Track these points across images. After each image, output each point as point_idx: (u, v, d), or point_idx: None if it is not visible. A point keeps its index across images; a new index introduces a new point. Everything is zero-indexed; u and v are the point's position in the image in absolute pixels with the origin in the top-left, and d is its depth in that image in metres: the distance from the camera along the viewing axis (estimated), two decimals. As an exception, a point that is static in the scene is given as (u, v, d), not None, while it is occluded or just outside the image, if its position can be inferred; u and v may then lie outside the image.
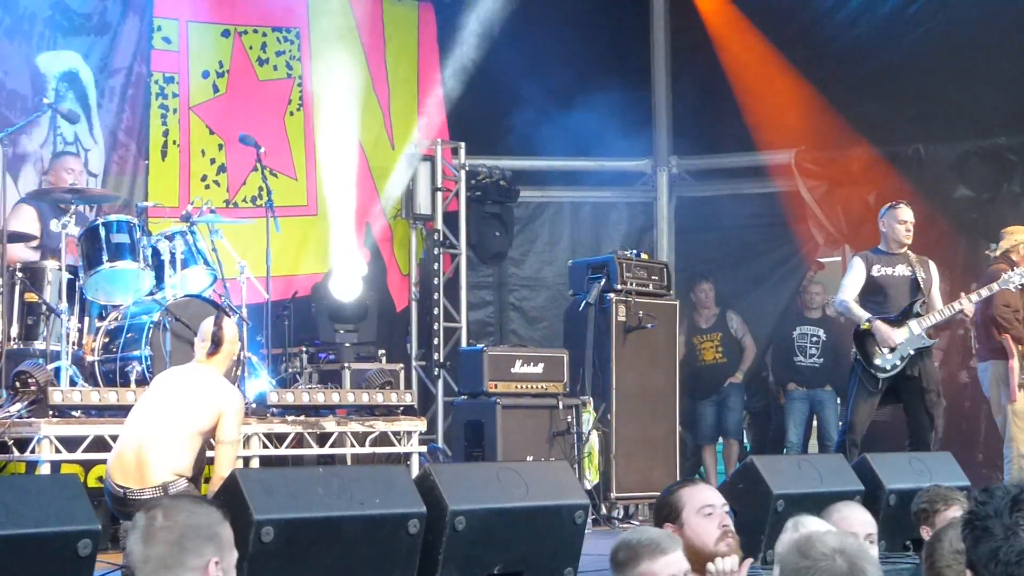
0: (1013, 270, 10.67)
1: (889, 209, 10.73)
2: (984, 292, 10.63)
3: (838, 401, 13.26)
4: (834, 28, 14.48)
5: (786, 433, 13.58)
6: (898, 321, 10.43)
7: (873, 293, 10.54)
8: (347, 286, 12.52)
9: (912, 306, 10.42)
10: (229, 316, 9.52)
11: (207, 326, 8.27)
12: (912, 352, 10.34)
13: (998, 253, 11.43)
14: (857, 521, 5.64)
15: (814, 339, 13.53)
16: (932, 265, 10.73)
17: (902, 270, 10.55)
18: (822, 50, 14.49)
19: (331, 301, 12.47)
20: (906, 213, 10.62)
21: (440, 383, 13.73)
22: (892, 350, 10.27)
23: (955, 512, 6.10)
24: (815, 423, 13.85)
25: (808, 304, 13.95)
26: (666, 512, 5.68)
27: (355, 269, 12.78)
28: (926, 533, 6.33)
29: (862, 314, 10.39)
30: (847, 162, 14.45)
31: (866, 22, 14.28)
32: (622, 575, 4.66)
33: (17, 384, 9.26)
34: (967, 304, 10.50)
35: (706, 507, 5.61)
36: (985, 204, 13.81)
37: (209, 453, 8.17)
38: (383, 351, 12.23)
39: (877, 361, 10.32)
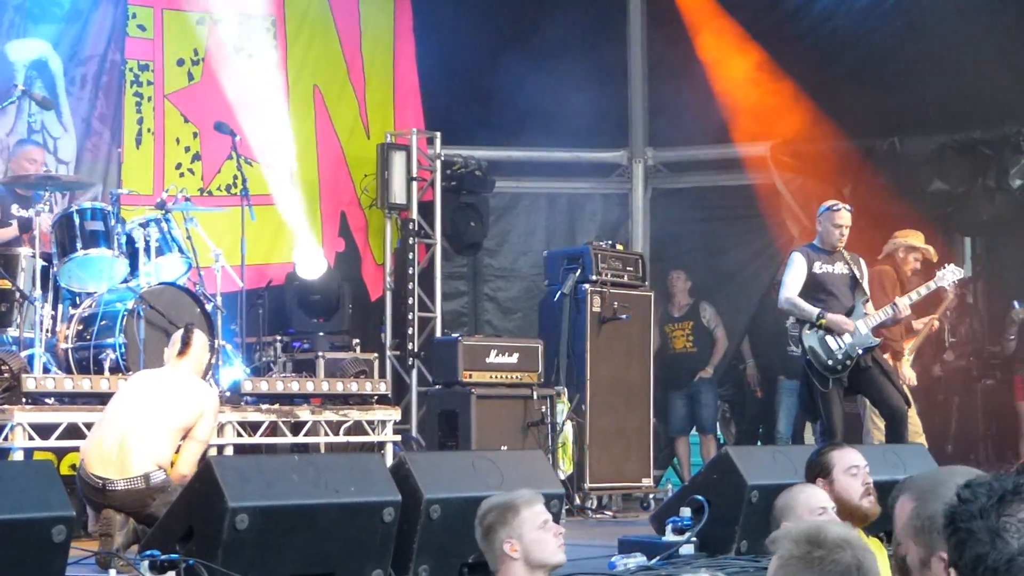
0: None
1: (828, 210, 10.60)
2: (923, 291, 10.67)
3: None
4: (812, 21, 14.48)
5: (776, 424, 13.61)
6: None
7: (815, 290, 10.46)
8: (313, 267, 12.60)
9: (855, 306, 10.41)
10: (203, 310, 9.61)
11: (176, 335, 8.34)
12: (860, 352, 10.32)
13: (882, 255, 11.57)
14: (823, 498, 5.97)
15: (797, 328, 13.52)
16: (862, 261, 10.71)
17: (840, 267, 10.50)
18: (799, 43, 14.47)
19: (304, 288, 12.50)
20: (844, 218, 10.50)
21: (414, 373, 13.74)
22: (840, 349, 10.25)
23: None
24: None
25: None
26: (818, 470, 6.46)
27: (325, 256, 12.87)
28: None
29: (812, 310, 10.28)
30: (822, 155, 14.47)
31: (843, 14, 14.28)
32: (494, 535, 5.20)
33: (-10, 372, 9.30)
34: (903, 304, 10.53)
35: (852, 467, 6.41)
36: (959, 198, 13.87)
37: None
38: (357, 340, 12.28)
39: (829, 362, 10.29)
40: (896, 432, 10.43)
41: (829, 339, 10.27)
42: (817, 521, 3.63)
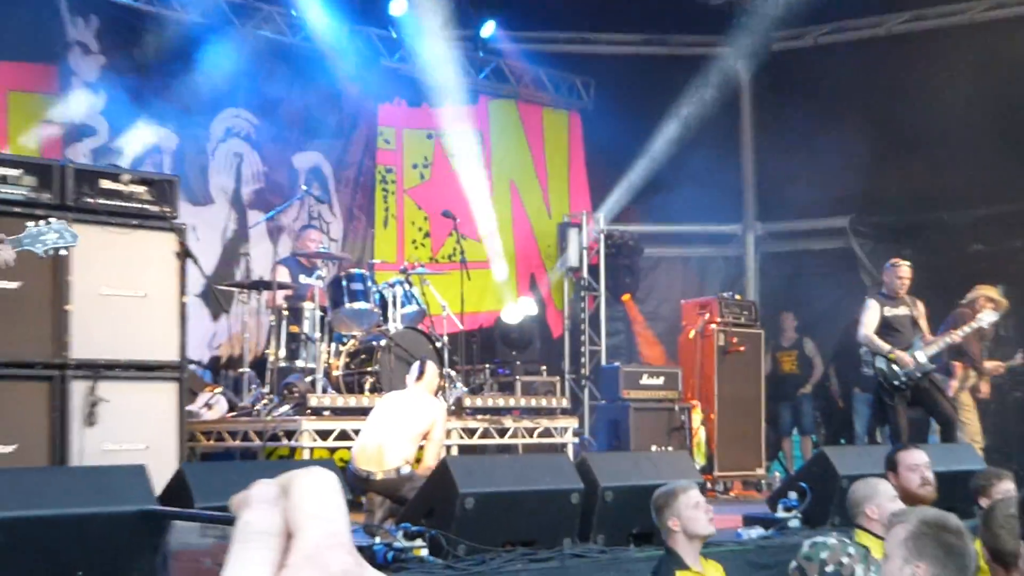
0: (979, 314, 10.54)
1: (892, 266, 10.44)
2: (967, 329, 10.46)
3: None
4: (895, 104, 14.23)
5: (854, 427, 13.41)
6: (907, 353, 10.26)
7: (885, 328, 10.31)
8: (514, 315, 12.71)
9: (915, 341, 10.22)
10: (435, 347, 9.71)
11: (415, 366, 8.45)
12: (919, 375, 10.14)
13: (965, 301, 11.31)
14: (892, 490, 5.85)
15: (871, 355, 13.30)
16: (920, 304, 10.52)
17: (903, 310, 10.33)
18: (872, 132, 14.24)
19: (506, 329, 12.59)
20: (904, 271, 10.35)
21: (586, 391, 13.77)
22: (903, 372, 10.09)
23: (1007, 485, 6.12)
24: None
25: None
26: (890, 466, 6.46)
27: (523, 305, 12.94)
28: (984, 504, 6.35)
29: (884, 346, 10.12)
30: (887, 225, 14.30)
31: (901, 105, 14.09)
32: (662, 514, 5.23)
33: (285, 392, 9.47)
34: (956, 337, 10.35)
35: (913, 464, 6.39)
36: (992, 256, 13.57)
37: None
38: (544, 367, 12.30)
39: (895, 383, 10.14)
40: (948, 434, 10.22)
41: (895, 365, 10.13)
42: (940, 510, 3.57)
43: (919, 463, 6.46)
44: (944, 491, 6.76)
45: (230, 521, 1.00)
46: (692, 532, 5.21)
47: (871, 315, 10.31)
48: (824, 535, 3.81)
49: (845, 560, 3.47)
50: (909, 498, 6.22)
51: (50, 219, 4.59)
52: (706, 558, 5.41)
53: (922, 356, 10.11)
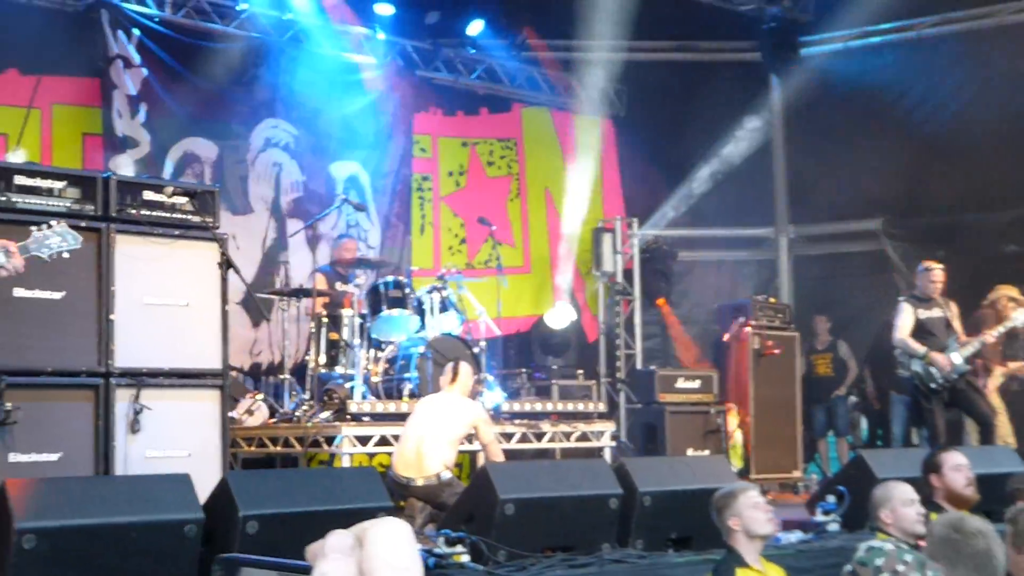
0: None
1: (925, 270, 10.33)
2: (1001, 329, 10.33)
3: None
4: (916, 116, 14.11)
5: (890, 428, 13.29)
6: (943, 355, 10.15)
7: (919, 331, 10.19)
8: (559, 319, 12.64)
9: (950, 343, 10.11)
10: (472, 352, 9.67)
11: (448, 367, 8.40)
12: (955, 376, 10.03)
13: (986, 302, 11.18)
14: (912, 492, 5.83)
15: (907, 358, 13.17)
16: (953, 305, 10.40)
17: (937, 312, 10.21)
18: (907, 135, 14.12)
19: (544, 333, 12.53)
20: (937, 275, 10.24)
21: (622, 395, 13.67)
22: (940, 375, 9.97)
23: None
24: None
25: None
26: (932, 467, 6.43)
27: (565, 310, 12.90)
28: None
29: (919, 348, 10.01)
30: (919, 227, 14.17)
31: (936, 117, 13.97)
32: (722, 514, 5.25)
33: (325, 398, 9.49)
34: (990, 338, 10.23)
35: (957, 465, 6.38)
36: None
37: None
38: (580, 371, 12.26)
39: (932, 385, 10.03)
40: (987, 435, 10.12)
41: (931, 367, 10.01)
42: (961, 513, 3.54)
43: (962, 463, 6.42)
44: (983, 493, 6.66)
45: (307, 571, 0.96)
46: (753, 531, 5.22)
47: (905, 318, 10.19)
48: (879, 541, 3.73)
49: (901, 568, 3.39)
50: (954, 499, 6.16)
51: (51, 223, 4.59)
52: (768, 560, 5.37)
53: (957, 358, 9.99)
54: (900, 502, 5.71)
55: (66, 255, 4.71)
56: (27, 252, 4.51)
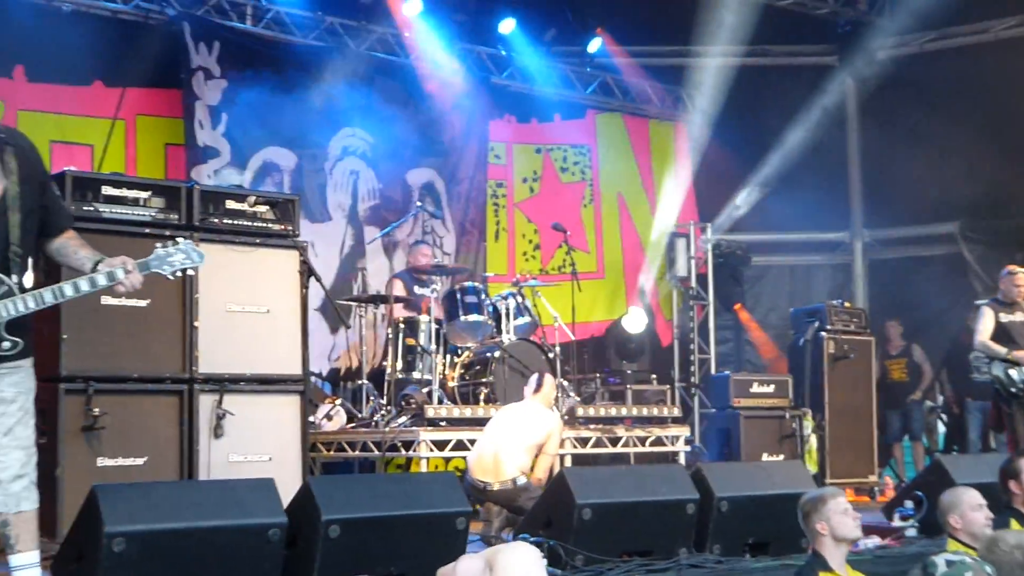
0: None
1: (1008, 274, 10.14)
2: None
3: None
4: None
5: (967, 433, 13.10)
6: None
7: (1001, 335, 10.02)
8: (635, 323, 12.60)
9: None
10: (547, 357, 9.65)
11: (533, 378, 8.39)
12: None
13: None
14: (980, 497, 5.77)
15: (987, 362, 12.97)
16: None
17: (1019, 316, 10.04)
18: (990, 133, 13.92)
19: (619, 338, 12.47)
20: (1020, 278, 10.06)
21: (696, 400, 13.63)
22: (1020, 379, 9.78)
23: None
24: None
25: None
26: (1011, 472, 6.39)
27: (641, 315, 12.86)
28: None
29: (1000, 349, 9.85)
30: (997, 230, 13.94)
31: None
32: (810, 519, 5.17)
33: (402, 403, 9.48)
34: None
35: None
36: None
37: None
38: (654, 376, 12.20)
39: (1013, 390, 9.85)
40: None
41: (1012, 371, 9.81)
42: (1004, 531, 3.50)
43: None
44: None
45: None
46: (840, 536, 5.17)
47: (987, 322, 10.04)
48: (954, 553, 3.68)
49: None
50: None
51: (177, 239, 4.61)
52: (852, 567, 5.33)
53: None
54: (968, 507, 5.64)
55: (191, 272, 4.73)
56: (147, 269, 4.54)
